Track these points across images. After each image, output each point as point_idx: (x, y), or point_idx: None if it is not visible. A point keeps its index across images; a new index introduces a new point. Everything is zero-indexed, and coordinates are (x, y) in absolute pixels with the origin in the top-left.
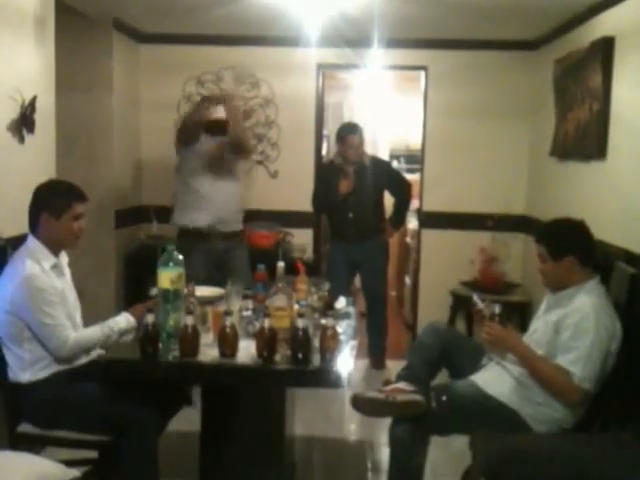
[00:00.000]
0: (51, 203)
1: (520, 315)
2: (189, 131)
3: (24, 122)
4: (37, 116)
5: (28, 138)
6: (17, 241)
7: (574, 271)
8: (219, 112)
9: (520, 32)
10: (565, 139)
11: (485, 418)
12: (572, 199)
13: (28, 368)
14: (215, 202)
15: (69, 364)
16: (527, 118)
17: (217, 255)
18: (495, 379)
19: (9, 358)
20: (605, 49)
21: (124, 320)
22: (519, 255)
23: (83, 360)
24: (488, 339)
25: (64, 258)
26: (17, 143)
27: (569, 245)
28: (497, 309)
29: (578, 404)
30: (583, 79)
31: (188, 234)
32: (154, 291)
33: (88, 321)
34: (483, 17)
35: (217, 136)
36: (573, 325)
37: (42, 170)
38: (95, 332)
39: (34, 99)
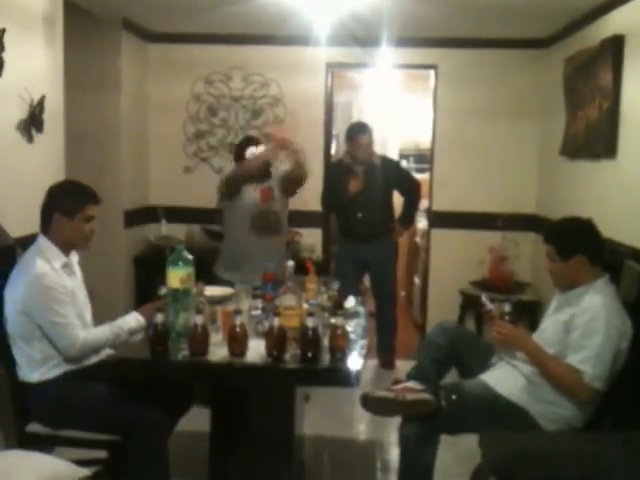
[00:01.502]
0: (64, 204)
1: (530, 314)
2: (238, 183)
3: (33, 122)
4: (46, 116)
5: (37, 138)
6: (26, 241)
7: (583, 270)
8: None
9: (530, 30)
10: (575, 138)
11: (495, 417)
12: (582, 198)
13: (38, 368)
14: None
15: (78, 364)
16: (537, 117)
17: None
18: (505, 378)
19: (19, 357)
20: (615, 47)
21: (133, 319)
22: (529, 254)
23: (93, 360)
24: (498, 338)
25: (74, 257)
26: (26, 143)
27: (578, 244)
28: (507, 308)
29: (588, 403)
30: (593, 77)
31: None
32: (163, 290)
33: (97, 321)
34: (493, 15)
35: (261, 181)
36: (583, 324)
37: (51, 170)
38: (104, 332)
39: (43, 99)
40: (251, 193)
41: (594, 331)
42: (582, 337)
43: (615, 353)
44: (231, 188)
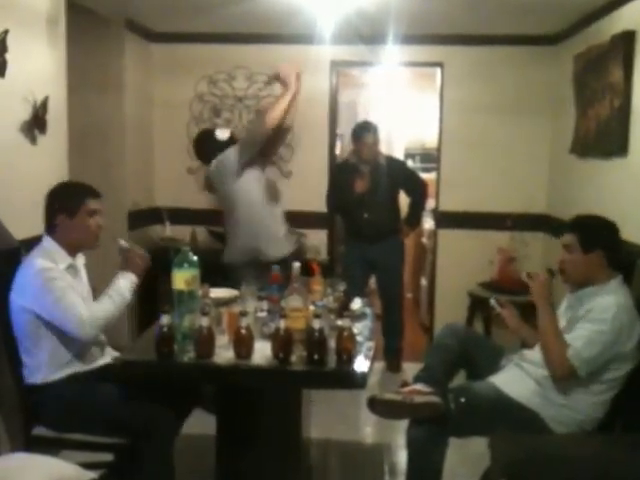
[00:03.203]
0: (65, 204)
1: None
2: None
3: (36, 123)
4: (49, 117)
5: (40, 139)
6: (30, 243)
7: (599, 268)
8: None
9: (539, 27)
10: (586, 136)
11: (504, 420)
12: (593, 197)
13: (44, 369)
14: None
15: (94, 340)
16: (546, 115)
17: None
18: (514, 380)
19: (25, 359)
20: (626, 43)
21: (123, 280)
22: (539, 255)
23: (99, 362)
24: (532, 280)
25: (81, 259)
26: (29, 144)
27: (602, 239)
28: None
29: (560, 377)
30: (604, 74)
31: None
32: (122, 242)
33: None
34: (500, 12)
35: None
36: (592, 315)
37: (54, 171)
38: (105, 302)
39: (46, 99)
40: (255, 166)
41: (597, 320)
42: (586, 322)
43: (612, 350)
44: (252, 146)
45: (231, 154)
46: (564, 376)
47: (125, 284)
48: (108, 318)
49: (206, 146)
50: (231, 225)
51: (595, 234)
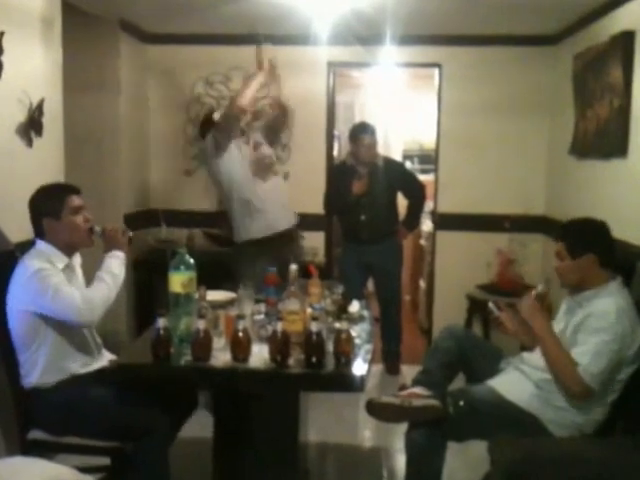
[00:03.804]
0: (47, 207)
1: None
2: (230, 126)
3: (32, 125)
4: (45, 119)
5: (36, 141)
6: (26, 246)
7: (592, 271)
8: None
9: (537, 27)
10: (585, 136)
11: (504, 423)
12: (592, 198)
13: (40, 373)
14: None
15: (94, 324)
16: (545, 115)
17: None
18: (514, 384)
19: (22, 362)
20: (625, 43)
21: (112, 259)
22: (538, 257)
23: (96, 365)
24: (521, 305)
25: (77, 259)
26: (25, 147)
27: (589, 243)
28: (540, 288)
29: (578, 398)
30: (603, 74)
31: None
32: (96, 228)
33: (99, 325)
34: (499, 12)
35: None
36: (592, 323)
37: (50, 174)
38: (98, 284)
39: (42, 102)
40: (241, 145)
41: (600, 329)
42: (587, 334)
43: (618, 357)
44: (225, 128)
45: (208, 139)
46: (582, 396)
47: (114, 262)
48: (105, 300)
49: (205, 129)
50: (233, 208)
51: (582, 239)
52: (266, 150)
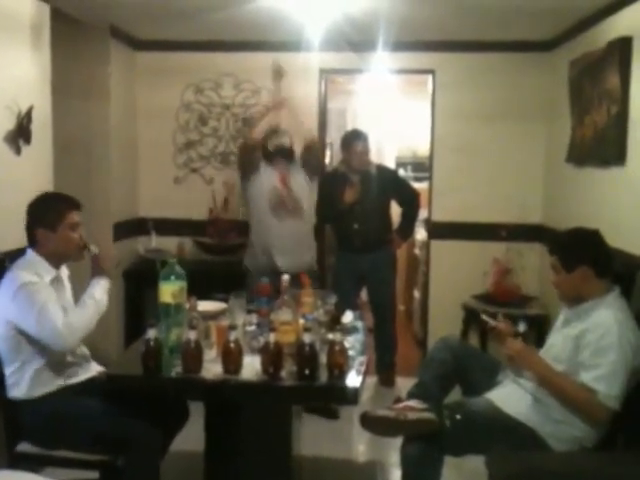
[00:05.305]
0: (44, 217)
1: (537, 329)
2: (247, 157)
3: (21, 133)
4: (34, 126)
5: (25, 149)
6: (15, 255)
7: (589, 283)
8: (282, 137)
9: (533, 33)
10: (582, 144)
11: (502, 437)
12: (590, 207)
13: (27, 385)
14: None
15: (72, 350)
16: (541, 122)
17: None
18: (512, 397)
19: (9, 374)
20: (622, 49)
21: (96, 286)
22: (535, 266)
23: (84, 376)
24: (508, 355)
25: (65, 271)
26: (14, 154)
27: (582, 255)
28: (522, 327)
29: (603, 423)
30: (600, 81)
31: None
32: (93, 247)
33: (88, 336)
34: (493, 18)
35: (280, 164)
36: (595, 341)
37: (39, 181)
38: (80, 310)
39: (30, 109)
40: (270, 174)
41: (607, 348)
42: (595, 354)
43: (629, 370)
44: (243, 160)
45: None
46: (608, 420)
47: (98, 290)
48: (86, 326)
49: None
50: (250, 231)
51: (574, 252)
52: (295, 188)
